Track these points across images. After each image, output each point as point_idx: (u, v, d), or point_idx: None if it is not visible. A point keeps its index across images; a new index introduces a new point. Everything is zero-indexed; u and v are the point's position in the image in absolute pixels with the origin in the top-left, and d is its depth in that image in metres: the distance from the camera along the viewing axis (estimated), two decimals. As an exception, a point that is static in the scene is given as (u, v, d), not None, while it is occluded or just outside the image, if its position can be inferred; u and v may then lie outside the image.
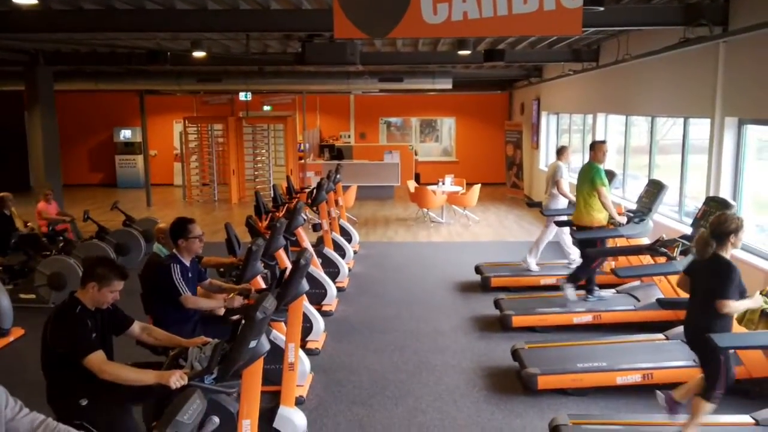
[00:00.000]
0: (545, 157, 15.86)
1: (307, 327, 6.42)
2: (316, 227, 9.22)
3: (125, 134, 19.91)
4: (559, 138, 14.99)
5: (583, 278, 7.28)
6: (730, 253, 4.10)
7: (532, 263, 8.76)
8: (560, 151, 8.93)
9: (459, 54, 10.69)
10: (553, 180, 8.71)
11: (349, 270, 9.36)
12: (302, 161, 17.26)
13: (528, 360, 5.68)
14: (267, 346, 3.37)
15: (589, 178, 7.27)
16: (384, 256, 10.77)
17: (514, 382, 5.71)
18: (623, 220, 7.23)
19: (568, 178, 8.79)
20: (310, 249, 8.12)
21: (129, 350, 4.25)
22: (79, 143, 20.17)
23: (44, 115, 11.96)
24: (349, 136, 20.29)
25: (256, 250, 5.36)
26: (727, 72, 7.06)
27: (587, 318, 7.02)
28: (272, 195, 9.90)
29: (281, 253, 6.59)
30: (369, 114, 20.29)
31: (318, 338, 6.57)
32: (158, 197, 17.83)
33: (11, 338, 6.61)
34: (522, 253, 9.27)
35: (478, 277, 8.83)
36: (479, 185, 13.58)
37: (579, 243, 7.46)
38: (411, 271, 9.80)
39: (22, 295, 7.73)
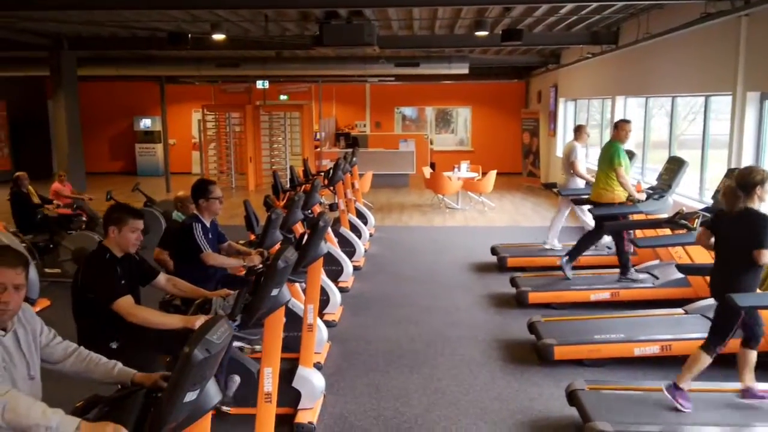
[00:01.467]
0: (562, 144, 15.77)
1: (324, 300, 6.47)
2: (333, 207, 9.28)
3: (145, 123, 20.11)
4: (576, 122, 14.92)
5: (580, 254, 7.39)
6: (758, 206, 4.10)
7: (555, 243, 8.75)
8: (577, 130, 8.90)
9: (476, 36, 10.66)
10: (569, 161, 8.69)
11: (365, 251, 9.40)
12: (318, 149, 17.32)
13: (544, 332, 5.67)
14: (288, 296, 3.41)
15: (609, 156, 7.24)
16: (399, 239, 10.81)
17: (530, 354, 5.71)
18: (642, 197, 7.20)
19: (584, 159, 8.76)
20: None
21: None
22: (101, 132, 20.37)
23: (68, 99, 12.12)
24: (364, 126, 20.32)
25: (275, 219, 5.43)
26: (748, 46, 7.00)
27: (605, 295, 6.99)
28: (289, 177, 9.96)
29: (299, 226, 6.64)
30: (384, 103, 20.31)
31: (335, 311, 6.62)
32: (177, 185, 17.95)
33: (37, 308, 6.74)
34: (538, 238, 9.25)
35: (493, 259, 8.83)
36: (495, 171, 13.56)
37: (597, 220, 7.43)
38: (426, 253, 9.83)
39: (48, 270, 7.88)
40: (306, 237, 4.45)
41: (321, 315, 6.33)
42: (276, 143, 17.61)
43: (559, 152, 15.62)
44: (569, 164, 8.69)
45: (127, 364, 3.30)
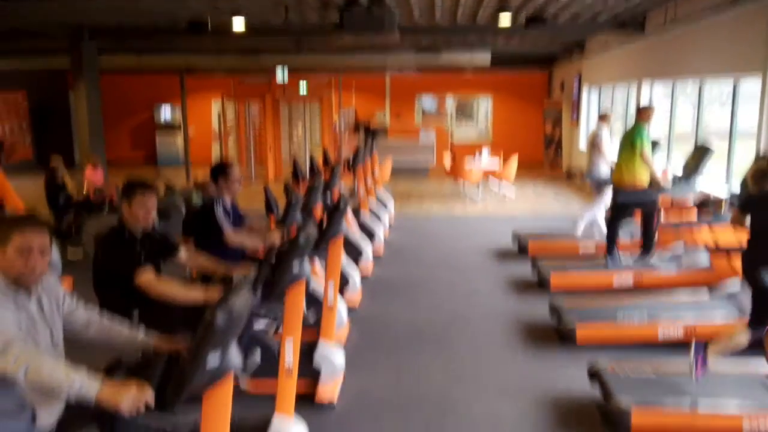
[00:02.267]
0: (586, 134, 15.64)
1: (344, 284, 6.47)
2: (353, 192, 9.28)
3: (165, 113, 20.25)
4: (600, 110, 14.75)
5: (616, 240, 7.28)
6: None
7: (581, 227, 8.68)
8: (603, 117, 8.83)
9: (499, 25, 10.55)
10: (594, 143, 8.60)
11: (385, 239, 9.39)
12: (337, 140, 17.32)
13: (566, 315, 5.63)
14: (309, 270, 3.41)
15: (631, 138, 7.13)
16: (419, 226, 10.77)
17: (551, 336, 5.66)
18: (668, 183, 7.10)
19: (610, 142, 8.67)
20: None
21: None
22: (122, 122, 20.57)
23: (89, 89, 12.22)
24: (384, 116, 20.27)
25: (295, 203, 5.44)
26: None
27: (628, 280, 6.92)
28: (309, 165, 9.97)
29: (318, 210, 6.64)
30: (404, 94, 20.24)
31: (355, 295, 6.61)
32: (194, 174, 18.13)
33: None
34: (560, 227, 9.15)
35: (515, 247, 8.77)
36: (516, 156, 13.45)
37: (620, 205, 7.33)
38: (446, 240, 9.79)
39: (71, 249, 7.97)
40: (327, 215, 4.46)
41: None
42: (295, 134, 17.63)
43: (583, 141, 15.50)
44: (595, 146, 8.61)
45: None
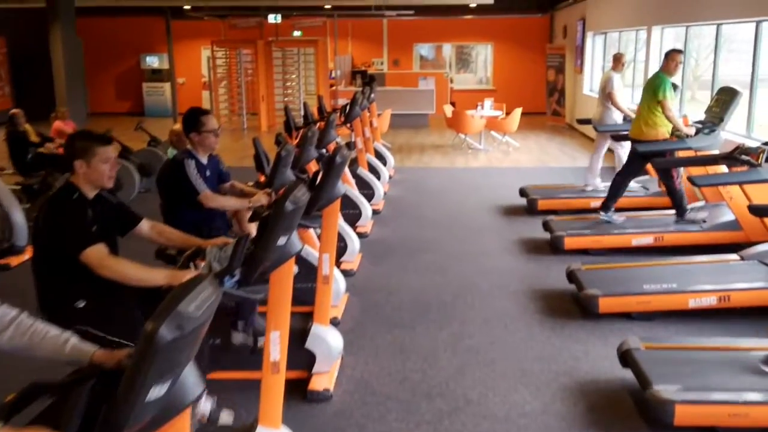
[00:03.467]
0: (590, 81, 14.90)
1: (342, 246, 5.88)
2: (350, 145, 8.63)
3: (152, 61, 19.29)
4: (605, 60, 13.99)
5: (617, 198, 6.77)
6: None
7: (597, 183, 8.08)
8: (615, 59, 8.11)
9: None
10: (606, 92, 7.92)
11: (385, 194, 8.80)
12: (333, 88, 16.54)
13: (587, 281, 5.07)
14: (299, 246, 2.83)
15: (654, 88, 6.49)
16: (420, 181, 10.16)
17: (570, 306, 5.14)
18: (691, 131, 6.48)
19: (622, 89, 7.99)
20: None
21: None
22: (106, 71, 19.66)
23: (65, 31, 11.40)
24: (382, 63, 19.42)
25: (285, 156, 4.78)
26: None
27: (647, 240, 6.38)
28: (303, 114, 9.29)
29: (312, 165, 6.03)
30: (403, 40, 19.34)
31: (353, 259, 6.04)
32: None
33: (26, 256, 6.23)
34: (566, 179, 8.56)
35: (522, 202, 8.19)
36: (520, 109, 12.75)
37: (641, 157, 6.72)
38: (450, 195, 9.20)
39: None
40: (320, 175, 3.82)
41: (338, 263, 5.78)
42: (289, 81, 16.83)
43: (587, 89, 14.77)
44: (606, 95, 7.94)
45: (95, 321, 2.72)
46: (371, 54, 19.48)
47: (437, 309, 5.13)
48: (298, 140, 8.23)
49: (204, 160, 4.16)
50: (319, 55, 15.96)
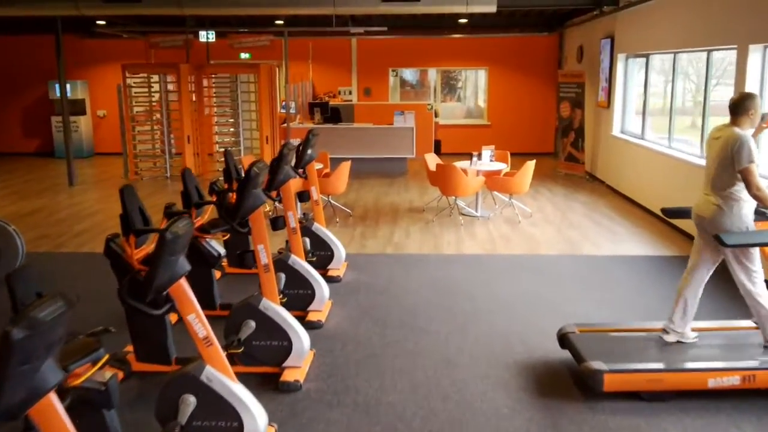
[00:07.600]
0: (620, 121, 11.27)
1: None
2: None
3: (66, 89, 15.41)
4: (647, 93, 10.34)
5: None
6: None
7: (688, 332, 4.31)
8: (739, 106, 4.32)
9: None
10: (734, 164, 4.16)
11: (319, 324, 5.01)
12: (285, 125, 12.82)
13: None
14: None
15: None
16: (384, 288, 6.19)
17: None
18: None
19: (759, 162, 4.22)
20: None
21: None
22: (9, 102, 15.89)
23: None
24: (350, 92, 15.77)
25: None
26: None
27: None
28: (224, 168, 5.68)
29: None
30: (376, 64, 15.73)
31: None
32: (95, 171, 13.62)
33: None
34: (620, 284, 4.78)
35: (562, 355, 4.38)
36: (532, 163, 9.02)
37: None
38: (430, 326, 5.34)
39: None
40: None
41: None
42: (224, 117, 13.07)
43: (617, 130, 11.13)
44: (731, 170, 4.17)
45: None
46: (337, 81, 15.86)
47: None
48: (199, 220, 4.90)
49: None
50: (262, 83, 12.18)
